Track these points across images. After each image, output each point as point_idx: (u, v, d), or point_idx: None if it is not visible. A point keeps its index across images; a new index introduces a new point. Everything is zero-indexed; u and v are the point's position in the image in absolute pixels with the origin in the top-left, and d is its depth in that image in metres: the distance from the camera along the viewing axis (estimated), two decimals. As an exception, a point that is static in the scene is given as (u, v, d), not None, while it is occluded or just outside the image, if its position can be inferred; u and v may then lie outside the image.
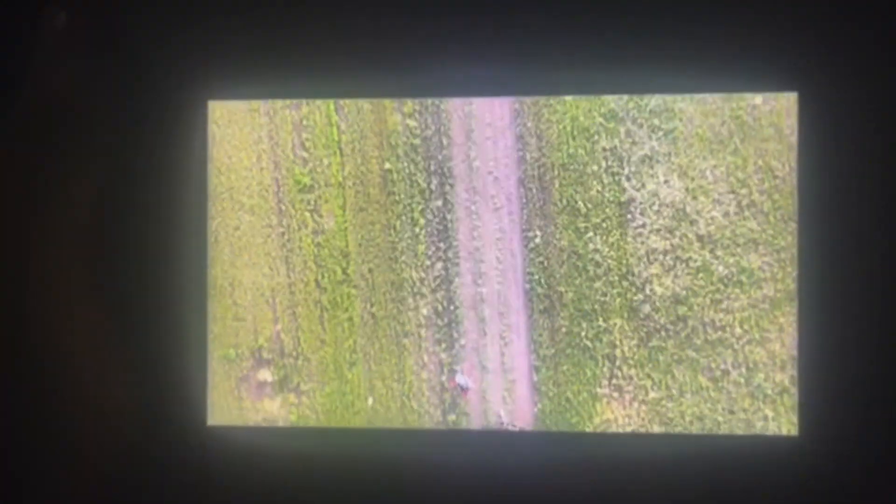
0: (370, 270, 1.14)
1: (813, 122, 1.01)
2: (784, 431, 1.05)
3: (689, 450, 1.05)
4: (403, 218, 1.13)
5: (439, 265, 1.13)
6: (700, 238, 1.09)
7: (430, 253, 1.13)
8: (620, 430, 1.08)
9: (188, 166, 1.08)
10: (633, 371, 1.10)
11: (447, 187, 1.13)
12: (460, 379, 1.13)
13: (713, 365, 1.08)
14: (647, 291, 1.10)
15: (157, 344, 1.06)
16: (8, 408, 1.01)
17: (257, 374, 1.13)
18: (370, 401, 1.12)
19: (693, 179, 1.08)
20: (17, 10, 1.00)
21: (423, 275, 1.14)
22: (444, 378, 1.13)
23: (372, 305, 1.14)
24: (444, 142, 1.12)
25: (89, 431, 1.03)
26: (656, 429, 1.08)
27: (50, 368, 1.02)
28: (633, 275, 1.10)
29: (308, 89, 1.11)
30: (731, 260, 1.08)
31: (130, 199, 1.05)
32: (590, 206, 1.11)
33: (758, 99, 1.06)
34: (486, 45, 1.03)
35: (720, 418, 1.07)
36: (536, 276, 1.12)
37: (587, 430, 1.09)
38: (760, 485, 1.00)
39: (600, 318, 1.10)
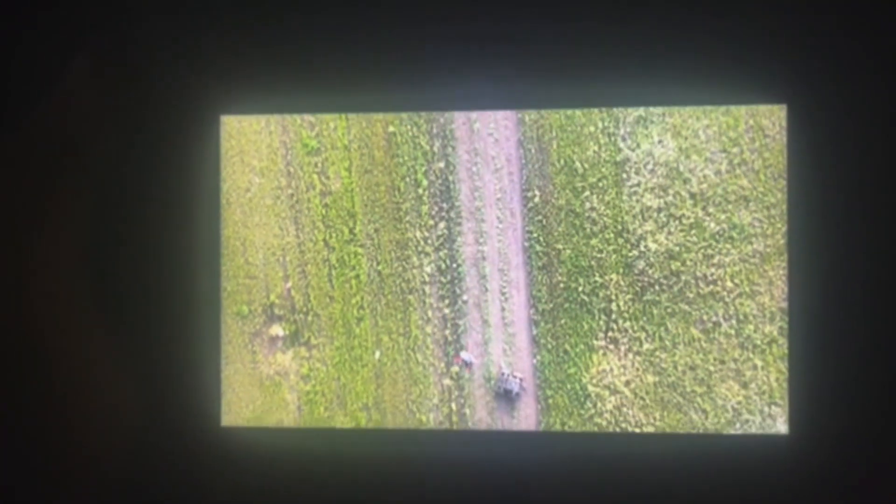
0: (376, 230, 1.19)
1: (802, 133, 1.04)
2: (772, 380, 1.10)
3: (681, 449, 1.09)
4: (407, 179, 1.18)
5: (442, 224, 1.18)
6: (693, 196, 1.13)
7: (433, 213, 1.18)
8: (615, 395, 1.14)
9: (201, 180, 1.10)
10: (628, 324, 1.14)
11: (449, 149, 1.17)
12: (465, 356, 1.18)
13: (705, 317, 1.13)
14: (642, 248, 1.14)
15: (172, 346, 1.08)
16: (19, 409, 1.03)
17: (269, 329, 1.19)
18: (377, 354, 1.18)
19: (686, 139, 1.12)
20: (39, 32, 1.03)
21: (426, 234, 1.18)
22: (447, 332, 1.18)
23: (378, 263, 1.19)
24: (446, 105, 1.17)
25: (104, 433, 1.06)
26: (649, 378, 1.13)
27: (65, 372, 1.05)
28: (628, 232, 1.14)
29: (318, 104, 1.15)
30: (723, 216, 1.12)
31: (145, 212, 1.07)
32: (586, 165, 1.15)
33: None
34: (490, 60, 1.06)
35: (711, 368, 1.12)
36: (535, 235, 1.17)
37: (584, 380, 1.15)
38: (751, 483, 1.03)
39: (597, 274, 1.15)
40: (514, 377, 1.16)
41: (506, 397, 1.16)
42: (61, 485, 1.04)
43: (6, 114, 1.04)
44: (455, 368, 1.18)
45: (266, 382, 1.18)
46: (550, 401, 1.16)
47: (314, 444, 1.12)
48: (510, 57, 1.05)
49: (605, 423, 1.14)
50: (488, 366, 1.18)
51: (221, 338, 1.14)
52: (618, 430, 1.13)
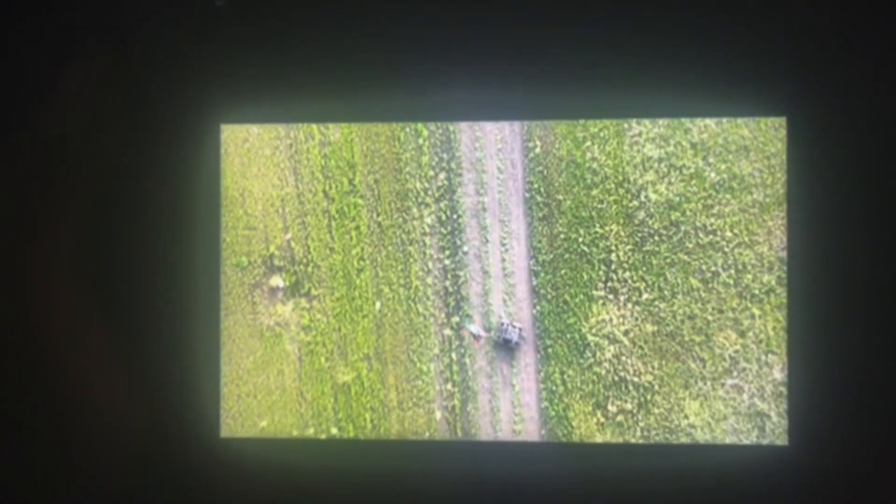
0: (376, 181, 1.18)
1: (801, 145, 1.05)
2: (769, 328, 1.11)
3: (681, 460, 1.10)
4: (407, 129, 1.17)
5: (442, 175, 1.18)
6: (693, 145, 1.13)
7: (433, 163, 1.18)
8: (614, 345, 1.15)
9: (201, 189, 1.09)
10: (627, 274, 1.15)
11: (449, 99, 1.17)
12: (472, 328, 1.18)
13: (704, 267, 1.14)
14: (642, 198, 1.14)
15: (170, 358, 1.08)
16: (16, 419, 1.03)
17: (269, 280, 1.19)
18: (378, 305, 1.18)
19: (688, 88, 1.12)
20: (34, 33, 1.01)
21: (426, 185, 1.18)
22: (447, 283, 1.19)
23: (378, 215, 1.18)
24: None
25: (103, 444, 1.05)
26: (648, 328, 1.14)
27: (63, 382, 1.04)
28: (628, 182, 1.14)
29: (319, 113, 1.14)
30: (723, 166, 1.12)
31: (145, 220, 1.07)
32: (588, 115, 1.15)
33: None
34: (493, 71, 1.06)
35: (710, 317, 1.13)
36: (536, 185, 1.17)
37: (583, 329, 1.16)
38: (752, 494, 1.05)
39: (597, 225, 1.15)
40: (514, 327, 1.17)
41: (505, 347, 1.17)
42: (58, 499, 1.04)
43: (5, 121, 1.03)
44: (455, 319, 1.18)
45: (266, 333, 1.18)
46: (550, 350, 1.16)
47: (314, 455, 1.13)
48: (512, 67, 1.06)
49: (603, 371, 1.15)
50: (488, 315, 1.18)
51: (220, 348, 1.14)
52: (616, 378, 1.15)
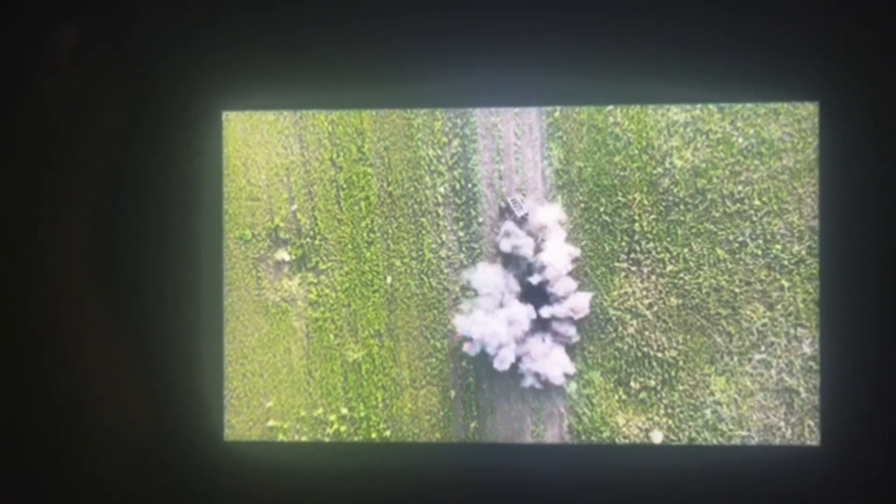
0: (386, 148, 1.12)
1: (834, 131, 1.00)
2: (799, 301, 1.07)
3: (709, 460, 1.05)
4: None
5: (456, 142, 1.12)
6: (721, 109, 1.07)
7: (446, 129, 1.12)
8: (637, 319, 1.10)
9: (202, 178, 1.04)
10: (651, 245, 1.10)
11: (464, 61, 1.11)
12: (465, 332, 1.13)
13: (731, 237, 1.09)
14: (667, 164, 1.09)
15: (173, 360, 1.03)
16: (14, 422, 0.98)
17: (275, 254, 1.13)
18: (389, 279, 1.13)
19: (716, 48, 1.06)
20: (30, 18, 0.97)
21: (439, 152, 1.12)
22: (461, 256, 1.14)
23: (388, 184, 1.13)
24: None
25: (103, 447, 1.00)
26: (673, 301, 1.10)
27: (63, 382, 0.98)
28: (653, 148, 1.09)
29: (326, 99, 1.08)
30: (752, 131, 1.07)
31: (144, 211, 1.01)
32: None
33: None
34: (509, 55, 1.00)
35: (737, 289, 1.08)
36: (555, 152, 1.11)
37: (605, 303, 1.11)
38: (782, 495, 0.99)
39: (619, 193, 1.10)
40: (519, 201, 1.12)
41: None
42: (61, 501, 0.99)
43: (2, 108, 0.99)
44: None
45: (272, 309, 1.13)
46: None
47: (321, 459, 1.08)
48: (533, 51, 1.00)
49: (626, 346, 1.10)
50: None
51: (224, 348, 1.08)
52: (640, 354, 1.10)
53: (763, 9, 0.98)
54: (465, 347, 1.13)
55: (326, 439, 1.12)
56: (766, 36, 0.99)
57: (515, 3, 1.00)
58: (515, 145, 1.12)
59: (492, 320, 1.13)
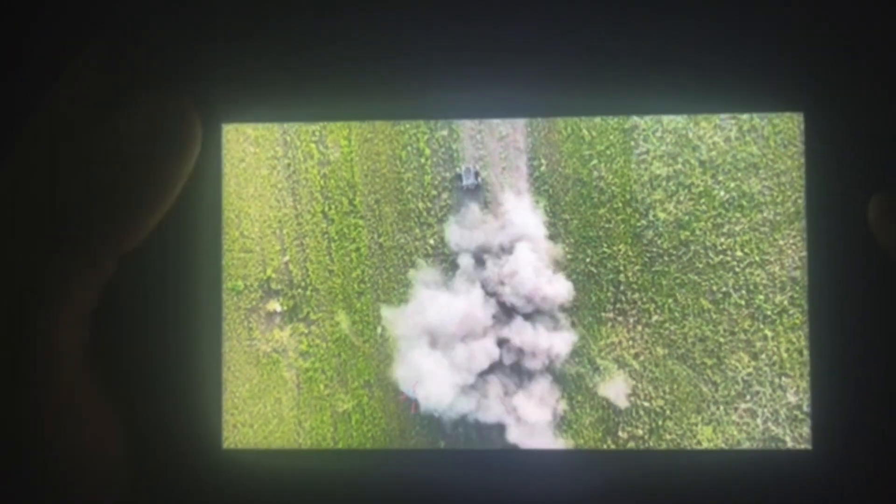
0: (377, 201, 1.15)
1: (818, 141, 1.04)
2: (783, 350, 1.08)
3: (703, 466, 1.07)
4: (409, 148, 1.14)
5: (445, 195, 1.14)
6: (702, 163, 1.11)
7: (436, 183, 1.14)
8: (623, 369, 1.11)
9: (202, 189, 1.07)
10: (636, 295, 1.12)
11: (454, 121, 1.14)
12: (408, 392, 1.14)
13: (714, 287, 1.11)
14: (650, 217, 1.12)
15: (173, 368, 1.05)
16: (12, 433, 0.99)
17: (266, 304, 1.14)
18: (379, 329, 1.14)
19: (696, 105, 1.10)
20: (35, 35, 1.00)
21: (429, 204, 1.15)
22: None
23: (379, 236, 1.15)
24: (449, 72, 1.13)
25: (102, 456, 1.02)
26: (659, 351, 1.11)
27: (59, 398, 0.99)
28: (636, 201, 1.12)
29: (321, 112, 1.11)
30: (733, 184, 1.10)
31: None
32: (594, 133, 1.12)
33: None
34: (498, 68, 1.04)
35: (721, 339, 1.10)
36: (541, 204, 1.14)
37: (592, 353, 1.12)
38: (775, 498, 1.02)
39: (604, 245, 1.12)
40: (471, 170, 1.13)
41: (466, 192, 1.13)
42: None
43: (3, 121, 1.01)
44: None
45: (263, 360, 1.13)
46: (557, 374, 1.13)
47: (318, 467, 1.09)
48: (518, 64, 1.04)
49: (613, 395, 1.11)
50: (494, 340, 1.15)
51: (223, 357, 1.10)
52: (627, 404, 1.11)
53: (748, 23, 1.01)
54: None
55: (316, 490, 1.12)
56: (751, 49, 1.02)
57: (504, 19, 1.03)
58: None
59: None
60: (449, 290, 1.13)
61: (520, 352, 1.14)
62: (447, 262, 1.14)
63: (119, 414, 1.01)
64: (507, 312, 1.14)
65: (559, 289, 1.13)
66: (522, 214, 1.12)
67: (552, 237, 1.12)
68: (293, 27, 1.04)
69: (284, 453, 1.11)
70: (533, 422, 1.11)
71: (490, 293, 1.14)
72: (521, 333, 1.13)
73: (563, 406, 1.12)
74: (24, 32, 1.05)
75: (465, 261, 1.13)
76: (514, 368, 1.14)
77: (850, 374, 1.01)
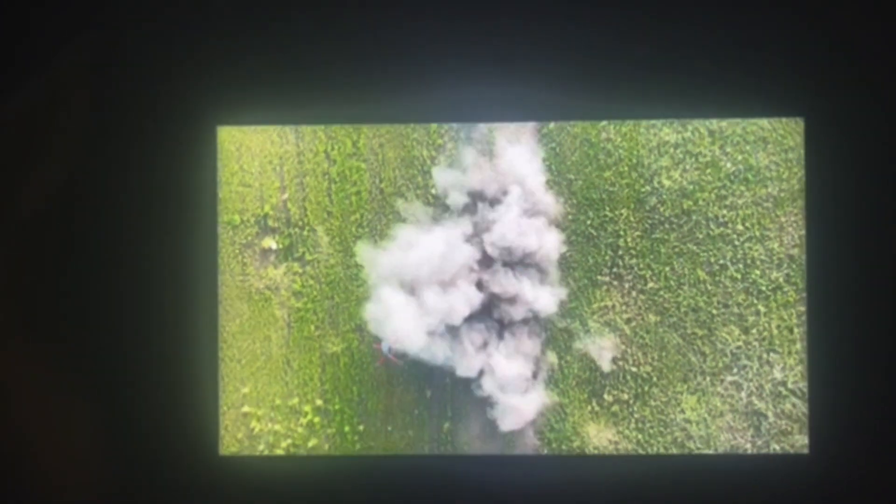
0: (380, 145, 1.13)
1: (820, 146, 1.03)
2: (773, 327, 1.09)
3: (699, 469, 1.07)
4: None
5: (451, 145, 1.13)
6: (711, 133, 1.10)
7: (441, 131, 1.13)
8: (615, 332, 1.12)
9: (198, 192, 1.06)
10: (634, 261, 1.12)
11: (464, 66, 1.12)
12: (384, 346, 1.13)
13: (712, 259, 1.11)
14: (655, 183, 1.11)
15: (169, 373, 1.04)
16: (6, 439, 0.98)
17: (262, 241, 1.13)
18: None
19: (711, 73, 1.08)
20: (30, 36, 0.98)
21: (434, 153, 1.13)
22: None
23: (381, 181, 1.14)
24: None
25: (100, 461, 1.01)
26: (651, 318, 1.11)
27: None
28: (642, 166, 1.11)
29: (320, 114, 1.09)
30: (740, 157, 1.09)
31: (140, 224, 1.03)
32: (606, 94, 1.11)
33: None
34: (501, 71, 1.03)
35: (714, 311, 1.10)
36: (548, 163, 1.13)
37: (584, 315, 1.12)
38: (773, 502, 1.02)
39: (607, 208, 1.12)
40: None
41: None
42: None
43: None
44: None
45: (255, 296, 1.13)
46: (549, 334, 1.13)
47: (317, 473, 1.08)
48: (522, 67, 1.02)
49: (601, 357, 1.12)
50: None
51: (219, 361, 1.09)
52: (615, 368, 1.12)
53: (751, 30, 1.01)
54: None
55: (300, 429, 1.12)
56: (754, 55, 1.01)
57: (509, 24, 1.02)
58: (508, 152, 1.13)
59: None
60: (432, 231, 1.12)
61: (504, 302, 1.14)
62: (437, 204, 1.13)
63: (112, 418, 1.01)
64: (489, 261, 1.14)
65: (549, 241, 1.12)
66: (520, 164, 1.11)
67: (550, 190, 1.11)
68: (289, 31, 1.02)
69: (282, 460, 1.11)
70: (514, 374, 1.12)
71: (475, 239, 1.13)
72: (505, 284, 1.13)
73: (549, 362, 1.13)
74: (11, 31, 1.02)
75: (454, 203, 1.12)
76: (496, 318, 1.14)
77: (848, 379, 1.02)
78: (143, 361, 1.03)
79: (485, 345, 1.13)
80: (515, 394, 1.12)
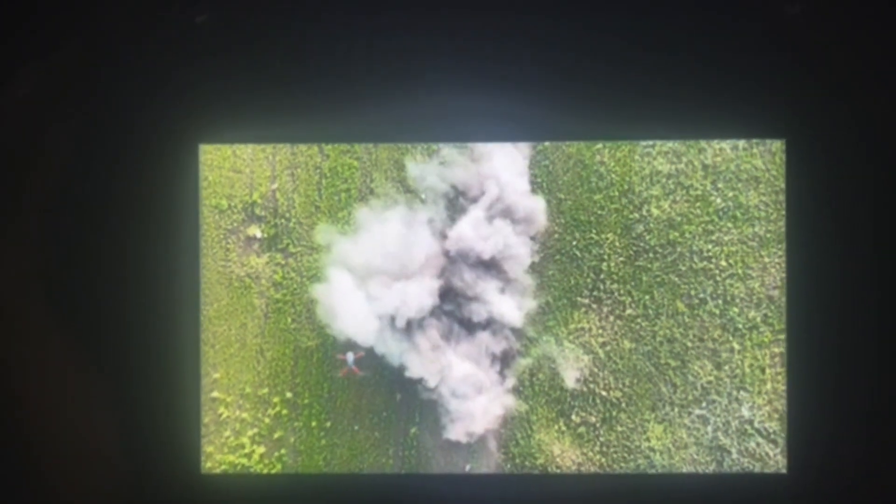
0: (375, 145, 1.13)
1: (800, 168, 1.03)
2: (746, 365, 1.10)
3: (679, 488, 1.07)
4: (417, 98, 1.12)
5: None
6: (705, 167, 1.10)
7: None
8: (589, 355, 1.12)
9: (179, 210, 1.05)
10: (615, 286, 1.12)
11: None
12: (349, 357, 1.14)
13: (692, 292, 1.11)
14: (644, 212, 1.11)
15: (151, 391, 1.03)
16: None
17: (247, 229, 1.13)
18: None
19: (710, 108, 1.09)
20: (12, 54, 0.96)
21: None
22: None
23: (371, 181, 1.14)
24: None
25: (81, 480, 1.00)
26: (626, 344, 1.12)
27: (36, 413, 0.98)
28: (633, 193, 1.11)
29: (301, 133, 1.09)
30: (731, 193, 1.10)
31: (123, 242, 1.02)
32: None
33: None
34: (492, 89, 1.02)
35: (689, 344, 1.11)
36: (539, 179, 1.13)
37: (560, 334, 1.13)
38: None
39: (593, 231, 1.12)
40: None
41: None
42: None
43: None
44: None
45: (235, 283, 1.13)
46: (521, 345, 1.13)
47: (299, 492, 1.09)
48: (513, 88, 1.01)
49: (572, 378, 1.12)
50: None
51: (201, 377, 1.08)
52: (585, 390, 1.12)
53: (734, 53, 1.01)
54: None
55: (267, 419, 1.12)
56: (736, 78, 1.01)
57: (501, 43, 1.01)
58: (502, 164, 1.13)
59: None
60: (398, 224, 1.13)
61: (465, 301, 1.14)
62: (411, 197, 1.14)
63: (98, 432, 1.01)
64: (455, 261, 1.14)
65: (519, 249, 1.13)
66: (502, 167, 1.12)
67: (533, 199, 1.12)
68: (272, 51, 1.01)
69: (265, 478, 1.11)
70: (467, 378, 1.12)
71: (440, 234, 1.14)
72: (467, 284, 1.13)
73: (517, 371, 1.13)
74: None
75: (429, 194, 1.13)
76: (456, 317, 1.14)
77: (825, 399, 1.02)
78: (130, 378, 1.02)
79: (440, 345, 1.14)
80: (468, 399, 1.12)
